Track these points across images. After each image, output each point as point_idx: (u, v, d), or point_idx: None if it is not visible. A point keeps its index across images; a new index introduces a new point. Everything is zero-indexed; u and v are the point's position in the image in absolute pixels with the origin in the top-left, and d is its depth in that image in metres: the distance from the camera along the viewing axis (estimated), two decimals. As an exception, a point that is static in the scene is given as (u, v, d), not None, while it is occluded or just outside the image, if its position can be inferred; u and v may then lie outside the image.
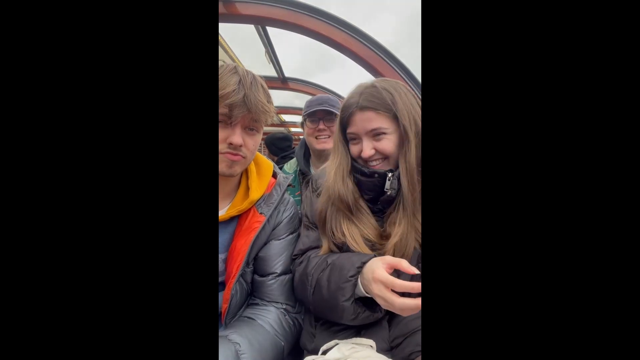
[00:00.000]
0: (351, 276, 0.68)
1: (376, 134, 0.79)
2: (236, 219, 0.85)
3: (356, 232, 0.80)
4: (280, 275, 0.87)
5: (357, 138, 0.83)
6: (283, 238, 0.88)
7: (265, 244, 0.86)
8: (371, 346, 0.65)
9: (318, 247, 0.86)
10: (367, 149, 0.80)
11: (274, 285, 0.86)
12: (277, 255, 0.87)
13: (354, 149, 0.84)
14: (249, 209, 0.84)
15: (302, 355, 0.84)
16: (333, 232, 0.81)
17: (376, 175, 0.80)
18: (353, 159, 0.85)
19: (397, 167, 0.80)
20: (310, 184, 0.95)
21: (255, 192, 0.83)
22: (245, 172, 0.88)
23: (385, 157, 0.81)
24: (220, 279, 0.83)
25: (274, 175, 0.91)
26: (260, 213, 0.83)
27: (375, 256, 0.71)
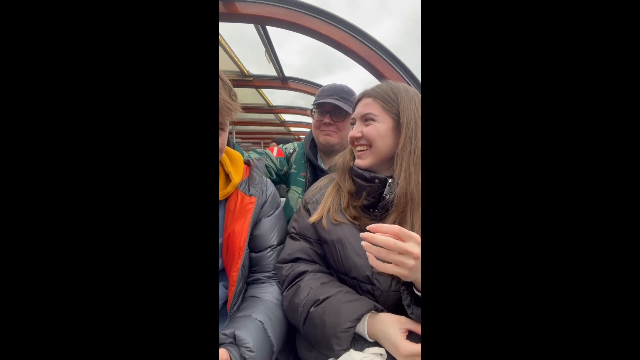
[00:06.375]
0: (348, 327, 0.70)
1: (366, 119, 0.84)
2: (223, 206, 0.90)
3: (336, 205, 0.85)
4: (277, 246, 0.95)
5: (354, 123, 0.88)
6: (272, 214, 0.96)
7: (256, 223, 0.93)
8: (381, 354, 0.68)
9: (301, 258, 0.88)
10: (355, 130, 0.85)
11: (273, 256, 0.94)
12: (270, 230, 0.94)
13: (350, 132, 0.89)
14: (235, 195, 0.90)
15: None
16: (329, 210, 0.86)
17: (377, 180, 0.81)
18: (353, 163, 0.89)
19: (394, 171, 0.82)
20: (301, 199, 0.98)
21: (236, 177, 0.90)
22: (220, 163, 0.94)
23: (369, 144, 0.83)
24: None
25: (246, 163, 0.98)
26: (250, 195, 0.90)
27: (374, 307, 0.72)
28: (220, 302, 0.88)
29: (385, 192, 0.80)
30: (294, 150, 1.50)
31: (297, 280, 0.84)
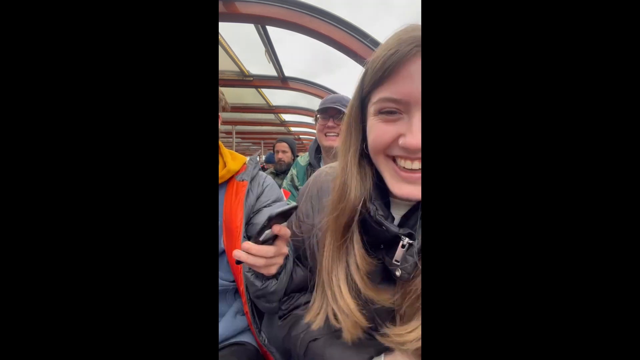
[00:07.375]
0: None
1: None
2: (223, 189, 1.01)
3: (342, 272, 0.57)
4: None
5: (399, 111, 0.47)
6: (270, 204, 1.03)
7: (256, 213, 1.00)
8: None
9: (304, 289, 0.76)
10: (418, 132, 0.45)
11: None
12: None
13: (386, 131, 0.48)
14: (232, 183, 0.99)
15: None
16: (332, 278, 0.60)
17: (384, 227, 0.52)
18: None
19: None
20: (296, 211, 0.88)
21: (232, 164, 0.98)
22: (220, 154, 1.05)
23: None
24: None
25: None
26: (242, 180, 0.99)
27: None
28: (226, 288, 0.94)
29: (395, 258, 0.52)
30: (295, 173, 1.72)
31: (294, 310, 0.77)
